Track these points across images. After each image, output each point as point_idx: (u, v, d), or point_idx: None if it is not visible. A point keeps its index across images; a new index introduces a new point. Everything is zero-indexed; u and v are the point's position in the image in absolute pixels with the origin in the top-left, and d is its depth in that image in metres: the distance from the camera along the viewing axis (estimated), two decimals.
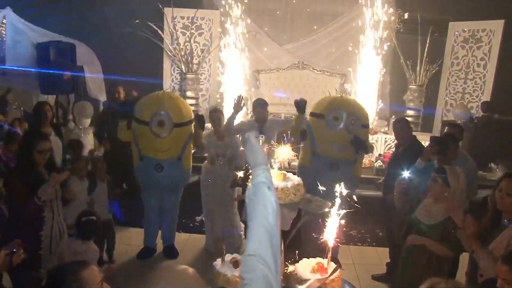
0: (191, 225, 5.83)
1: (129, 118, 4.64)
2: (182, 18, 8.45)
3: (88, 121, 7.31)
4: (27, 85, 6.58)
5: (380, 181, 5.41)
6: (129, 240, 5.27)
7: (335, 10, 8.75)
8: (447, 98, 8.52)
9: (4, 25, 6.61)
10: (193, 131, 4.76)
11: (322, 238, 2.10)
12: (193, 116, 4.77)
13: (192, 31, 8.50)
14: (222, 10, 8.25)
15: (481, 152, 6.18)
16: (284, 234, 2.12)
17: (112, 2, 8.02)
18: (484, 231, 2.67)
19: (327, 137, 4.60)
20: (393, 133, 5.01)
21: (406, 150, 4.50)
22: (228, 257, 2.50)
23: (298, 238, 3.36)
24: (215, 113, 5.04)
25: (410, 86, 8.22)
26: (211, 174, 4.99)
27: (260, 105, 4.99)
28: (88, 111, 7.31)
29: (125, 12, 7.73)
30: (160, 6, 7.95)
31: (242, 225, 5.04)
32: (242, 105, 4.71)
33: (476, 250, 2.54)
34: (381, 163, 6.85)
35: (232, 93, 8.26)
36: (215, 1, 8.59)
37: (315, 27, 8.80)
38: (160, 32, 8.06)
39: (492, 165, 6.69)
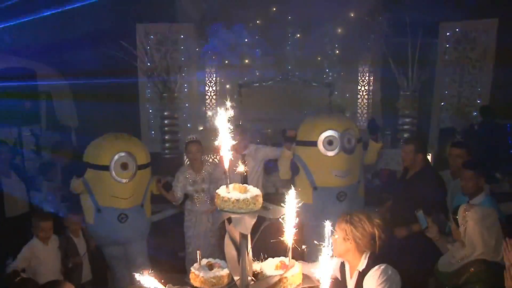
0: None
1: (79, 167, 4.07)
2: (156, 33, 7.90)
3: None
4: None
5: (380, 209, 4.52)
6: None
7: (319, 17, 8.23)
8: (443, 103, 8.01)
9: None
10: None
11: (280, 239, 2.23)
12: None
13: (167, 46, 7.95)
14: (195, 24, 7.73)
15: (485, 162, 5.65)
16: (245, 240, 2.33)
17: (80, 21, 7.47)
18: None
19: (325, 166, 4.05)
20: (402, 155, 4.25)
21: (416, 177, 3.89)
22: (203, 261, 2.61)
23: (263, 241, 3.23)
24: (193, 144, 4.50)
25: (402, 93, 7.69)
26: (193, 213, 4.50)
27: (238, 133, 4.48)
28: None
29: (95, 31, 7.19)
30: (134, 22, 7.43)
31: None
32: None
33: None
34: (378, 182, 6.28)
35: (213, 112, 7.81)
36: (189, 14, 8.06)
37: (298, 35, 8.27)
38: (132, 50, 7.51)
39: (498, 175, 6.16)
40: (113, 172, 3.95)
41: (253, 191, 2.39)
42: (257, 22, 8.20)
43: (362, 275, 2.38)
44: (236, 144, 4.38)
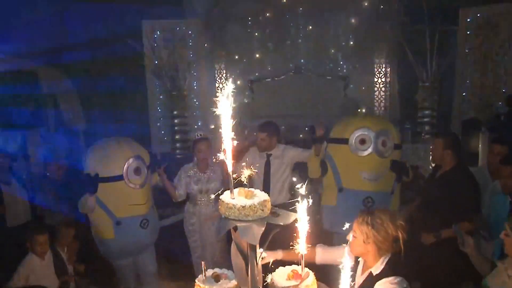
0: None
1: (92, 183, 3.80)
2: (163, 30, 7.67)
3: None
4: None
5: (404, 210, 4.03)
6: None
7: (332, 6, 7.87)
8: (465, 94, 7.60)
9: None
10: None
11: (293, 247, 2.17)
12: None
13: (174, 43, 7.71)
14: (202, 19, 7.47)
15: None
16: (254, 249, 2.20)
17: (86, 20, 7.29)
18: None
19: (354, 166, 3.78)
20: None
21: (445, 177, 3.53)
22: (209, 272, 2.52)
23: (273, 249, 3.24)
24: (202, 142, 4.23)
25: (421, 84, 7.32)
26: (195, 216, 4.24)
27: (260, 130, 4.25)
28: None
29: (100, 30, 7.00)
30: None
31: None
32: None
33: None
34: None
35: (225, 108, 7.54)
36: (196, 9, 7.80)
37: (310, 27, 7.93)
38: (139, 47, 7.30)
39: None
40: (129, 178, 3.84)
41: (261, 196, 2.25)
42: (267, 14, 7.88)
43: (374, 277, 2.22)
44: (259, 142, 4.19)
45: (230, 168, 2.21)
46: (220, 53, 7.90)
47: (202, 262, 2.53)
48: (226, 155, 2.19)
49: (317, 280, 2.36)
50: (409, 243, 2.23)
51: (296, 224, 2.18)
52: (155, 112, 7.93)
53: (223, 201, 2.19)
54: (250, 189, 2.32)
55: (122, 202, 3.88)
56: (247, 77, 8.20)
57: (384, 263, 2.22)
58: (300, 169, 4.39)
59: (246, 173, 2.20)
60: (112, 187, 3.82)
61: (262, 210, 2.16)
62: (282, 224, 2.20)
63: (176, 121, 7.67)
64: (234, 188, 2.20)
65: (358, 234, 2.26)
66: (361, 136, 3.75)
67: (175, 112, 7.65)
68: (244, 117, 7.84)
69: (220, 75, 7.99)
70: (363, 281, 2.29)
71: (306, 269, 2.32)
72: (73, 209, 4.10)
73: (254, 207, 2.13)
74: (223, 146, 2.13)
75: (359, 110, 7.72)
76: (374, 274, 2.23)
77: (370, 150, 3.72)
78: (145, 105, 7.76)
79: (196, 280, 2.51)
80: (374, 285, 2.17)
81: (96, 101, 6.63)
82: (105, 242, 4.01)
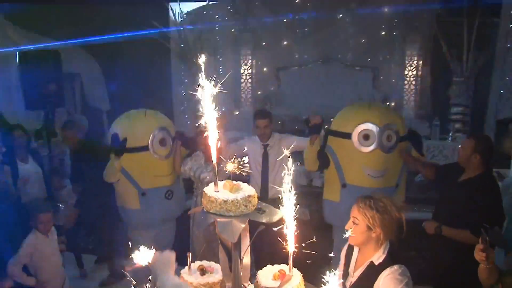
0: None
1: (119, 150, 3.88)
2: (189, 13, 7.58)
3: None
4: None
5: (427, 222, 3.43)
6: None
7: None
8: (502, 91, 7.14)
9: None
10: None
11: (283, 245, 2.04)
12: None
13: (201, 27, 7.62)
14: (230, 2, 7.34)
15: None
16: (237, 246, 2.15)
17: (112, 1, 7.30)
18: None
19: (357, 162, 3.58)
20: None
21: (469, 183, 3.16)
22: (195, 264, 2.46)
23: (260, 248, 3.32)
24: None
25: (455, 79, 6.94)
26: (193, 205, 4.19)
27: (261, 117, 4.08)
28: None
29: (125, 12, 6.98)
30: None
31: None
32: None
33: None
34: (422, 178, 5.65)
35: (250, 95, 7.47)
36: None
37: (341, 15, 7.64)
38: (165, 31, 7.25)
39: None
40: (155, 149, 3.92)
41: (247, 190, 2.17)
42: (297, 1, 7.66)
43: (377, 267, 2.15)
44: (262, 130, 4.05)
45: (215, 159, 2.13)
46: (247, 38, 7.76)
47: (188, 254, 2.46)
48: (211, 145, 2.10)
49: (306, 281, 2.27)
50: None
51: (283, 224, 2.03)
52: (179, 97, 7.91)
53: (205, 193, 2.10)
54: (238, 182, 2.24)
55: (147, 172, 3.99)
56: (274, 65, 8.03)
57: (386, 252, 2.15)
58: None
59: (229, 166, 2.11)
60: (139, 157, 3.93)
61: (245, 206, 2.07)
62: (265, 222, 2.10)
63: (199, 105, 7.59)
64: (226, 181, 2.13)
65: (360, 220, 2.16)
66: (365, 131, 3.53)
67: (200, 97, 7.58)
68: (270, 105, 7.72)
69: (246, 61, 7.86)
70: (364, 271, 2.22)
71: (295, 271, 2.22)
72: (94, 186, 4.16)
73: (237, 202, 2.05)
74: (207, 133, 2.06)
75: (388, 103, 7.43)
76: (376, 263, 2.15)
77: (374, 146, 3.50)
78: (169, 88, 7.74)
79: (181, 272, 2.45)
80: (377, 274, 2.11)
81: (119, 83, 6.63)
82: (130, 212, 4.12)
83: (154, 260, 2.05)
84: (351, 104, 4.13)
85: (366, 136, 3.50)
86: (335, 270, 1.85)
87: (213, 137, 2.08)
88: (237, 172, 2.12)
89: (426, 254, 3.72)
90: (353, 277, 2.28)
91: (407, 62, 7.21)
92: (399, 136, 3.57)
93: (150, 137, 3.92)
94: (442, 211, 3.35)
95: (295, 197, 1.97)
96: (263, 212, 2.15)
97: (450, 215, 3.18)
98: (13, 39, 6.06)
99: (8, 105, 6.00)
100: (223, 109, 8.05)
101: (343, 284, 2.30)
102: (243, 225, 2.03)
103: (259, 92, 8.16)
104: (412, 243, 3.64)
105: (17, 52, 5.70)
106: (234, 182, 2.20)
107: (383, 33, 7.21)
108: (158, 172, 4.01)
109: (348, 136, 3.58)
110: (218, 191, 2.09)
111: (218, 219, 2.01)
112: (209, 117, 2.07)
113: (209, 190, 2.12)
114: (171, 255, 2.10)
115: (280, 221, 2.05)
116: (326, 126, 3.85)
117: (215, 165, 2.12)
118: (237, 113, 8.08)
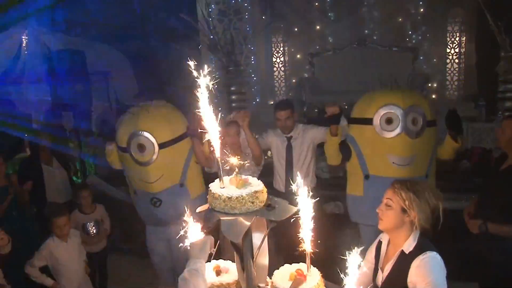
0: None
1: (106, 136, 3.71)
2: (218, 3, 7.47)
3: None
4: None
5: (469, 221, 3.14)
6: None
7: None
8: None
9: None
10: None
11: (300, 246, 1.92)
12: (186, 128, 3.64)
13: (230, 16, 7.50)
14: None
15: None
16: (247, 245, 2.03)
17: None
18: None
19: (381, 150, 3.26)
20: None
21: (510, 171, 2.86)
22: (211, 264, 2.32)
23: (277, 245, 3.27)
24: (231, 126, 3.89)
25: (503, 54, 6.41)
26: None
27: (282, 108, 3.87)
28: None
29: (153, 5, 6.98)
30: None
31: None
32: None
33: None
34: (467, 164, 5.25)
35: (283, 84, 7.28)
36: None
37: None
38: (193, 22, 7.17)
39: None
40: (133, 155, 3.47)
41: (255, 185, 2.02)
42: None
43: (408, 255, 2.01)
44: (283, 122, 3.87)
45: (218, 153, 1.98)
46: (278, 25, 7.58)
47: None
48: (214, 140, 1.95)
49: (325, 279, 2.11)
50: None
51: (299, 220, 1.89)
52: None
53: (210, 190, 1.96)
54: (246, 177, 2.10)
55: (134, 174, 3.66)
56: (307, 51, 7.82)
57: (416, 240, 2.02)
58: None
59: (232, 161, 1.95)
60: (124, 157, 3.57)
61: (252, 203, 1.90)
62: (274, 219, 1.93)
63: (233, 97, 7.49)
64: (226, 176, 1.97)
65: (394, 202, 2.04)
66: (387, 114, 3.20)
67: (232, 88, 7.48)
68: (305, 93, 7.50)
69: (278, 49, 7.67)
70: (395, 263, 2.08)
71: (314, 269, 2.06)
72: None
73: (242, 199, 1.89)
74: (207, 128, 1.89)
75: (429, 85, 7.02)
76: (407, 252, 2.02)
77: (398, 130, 3.18)
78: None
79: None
80: (409, 264, 1.98)
81: (149, 79, 6.62)
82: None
83: (192, 244, 1.95)
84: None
85: (389, 120, 3.20)
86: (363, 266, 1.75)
87: (214, 133, 1.91)
88: (240, 166, 1.98)
89: (469, 248, 3.40)
90: (384, 272, 2.12)
91: (448, 39, 6.77)
92: (426, 120, 3.26)
93: (130, 139, 3.45)
94: (484, 205, 3.03)
95: (318, 191, 1.81)
96: (272, 209, 1.99)
97: (494, 208, 2.87)
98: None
99: None
100: (257, 100, 7.97)
101: (374, 283, 2.16)
102: (248, 224, 1.87)
103: (293, 80, 7.95)
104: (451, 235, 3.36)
105: None
106: (242, 176, 2.05)
107: (421, 10, 6.77)
108: (142, 177, 3.55)
109: (369, 121, 3.27)
110: (223, 187, 1.95)
111: (222, 218, 1.85)
112: (206, 112, 1.88)
113: (214, 186, 1.97)
114: (207, 240, 1.99)
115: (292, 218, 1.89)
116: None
117: (219, 160, 1.96)
118: (271, 102, 7.93)
